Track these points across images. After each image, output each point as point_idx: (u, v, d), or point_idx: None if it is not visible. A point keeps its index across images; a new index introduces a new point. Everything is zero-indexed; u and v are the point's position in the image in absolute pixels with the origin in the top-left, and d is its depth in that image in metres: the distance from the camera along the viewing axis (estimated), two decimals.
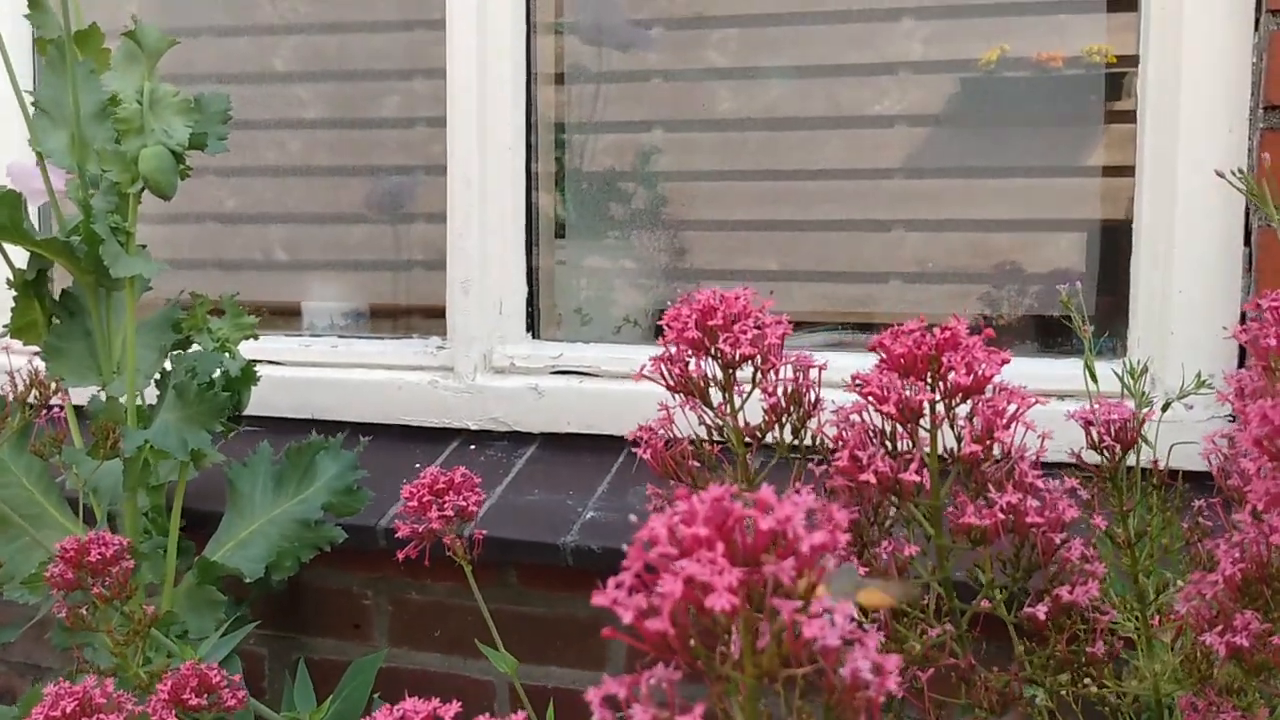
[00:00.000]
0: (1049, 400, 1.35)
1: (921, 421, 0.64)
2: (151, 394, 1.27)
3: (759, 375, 0.69)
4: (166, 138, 1.10)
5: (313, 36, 1.89)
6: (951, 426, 0.65)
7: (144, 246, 1.18)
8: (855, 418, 0.67)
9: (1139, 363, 1.08)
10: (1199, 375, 1.13)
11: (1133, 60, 1.38)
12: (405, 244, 1.89)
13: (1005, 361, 0.64)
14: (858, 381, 0.66)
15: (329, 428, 1.63)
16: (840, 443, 0.66)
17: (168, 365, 1.27)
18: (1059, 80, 1.55)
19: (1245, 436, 0.56)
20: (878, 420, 0.66)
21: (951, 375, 0.62)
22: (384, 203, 1.90)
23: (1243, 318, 0.79)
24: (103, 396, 1.21)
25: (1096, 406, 0.72)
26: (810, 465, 0.72)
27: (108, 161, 1.12)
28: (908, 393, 0.63)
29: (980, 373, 0.62)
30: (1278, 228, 0.98)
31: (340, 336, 1.73)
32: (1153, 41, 1.33)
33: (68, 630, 1.08)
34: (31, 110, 1.20)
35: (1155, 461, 0.81)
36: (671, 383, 0.69)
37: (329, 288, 1.92)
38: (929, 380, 0.63)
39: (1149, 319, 1.36)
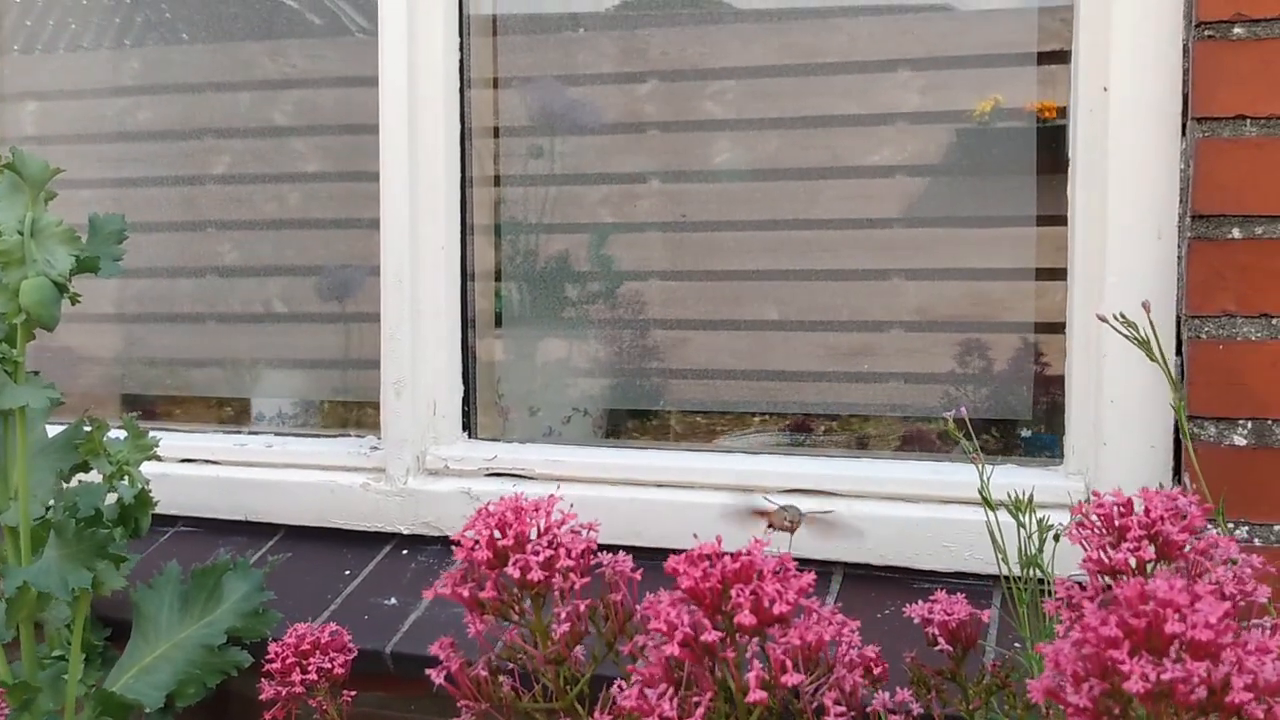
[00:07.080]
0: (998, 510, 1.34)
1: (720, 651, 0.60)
2: None
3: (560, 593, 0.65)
4: (49, 268, 1.07)
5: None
6: (763, 650, 0.61)
7: (36, 373, 1.16)
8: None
9: (1025, 494, 1.04)
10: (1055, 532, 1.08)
11: None
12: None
13: (804, 590, 0.60)
14: (648, 611, 0.63)
15: (262, 530, 1.61)
16: (636, 677, 0.62)
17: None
18: (1052, 130, 1.53)
19: (1036, 686, 0.53)
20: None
21: (737, 616, 0.58)
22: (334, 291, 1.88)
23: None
24: None
25: (935, 605, 0.68)
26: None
27: None
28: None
29: (768, 609, 0.59)
30: (1163, 369, 0.94)
31: (276, 434, 1.70)
32: (1080, 152, 1.31)
33: None
34: None
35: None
36: (467, 600, 0.65)
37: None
38: (717, 618, 0.59)
39: (1083, 428, 1.33)
